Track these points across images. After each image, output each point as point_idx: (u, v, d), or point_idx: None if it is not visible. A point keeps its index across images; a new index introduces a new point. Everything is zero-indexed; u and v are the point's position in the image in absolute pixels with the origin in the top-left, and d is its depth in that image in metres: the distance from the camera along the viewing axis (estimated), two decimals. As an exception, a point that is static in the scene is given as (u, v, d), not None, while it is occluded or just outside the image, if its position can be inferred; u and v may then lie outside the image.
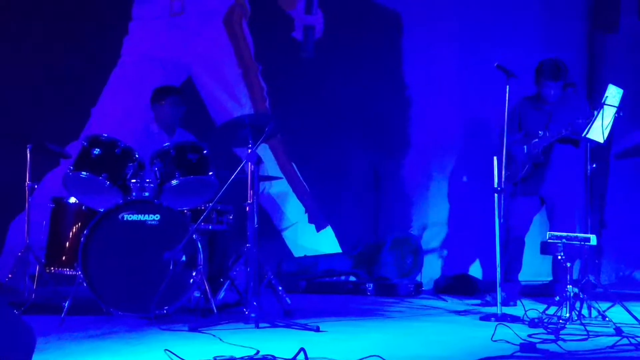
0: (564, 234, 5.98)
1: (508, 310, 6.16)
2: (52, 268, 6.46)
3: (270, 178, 7.80)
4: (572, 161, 7.05)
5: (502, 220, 6.62)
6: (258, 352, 4.59)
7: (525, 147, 7.01)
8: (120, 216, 6.08)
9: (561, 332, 5.35)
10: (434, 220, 9.20)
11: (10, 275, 6.52)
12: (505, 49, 8.55)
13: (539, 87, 7.05)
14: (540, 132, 6.97)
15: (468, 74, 9.01)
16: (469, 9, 9.08)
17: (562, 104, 7.03)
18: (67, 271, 6.42)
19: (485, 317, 6.11)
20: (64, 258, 6.45)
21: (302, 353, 4.24)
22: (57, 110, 8.28)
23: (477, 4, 9.06)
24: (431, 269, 8.85)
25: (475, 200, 8.76)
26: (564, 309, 5.85)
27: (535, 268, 7.86)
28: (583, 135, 6.33)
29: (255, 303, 5.76)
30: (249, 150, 6.02)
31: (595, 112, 6.24)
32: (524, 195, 7.01)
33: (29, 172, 6.62)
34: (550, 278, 7.29)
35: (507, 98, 6.16)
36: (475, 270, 8.85)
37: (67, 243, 6.47)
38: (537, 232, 7.42)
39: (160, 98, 7.15)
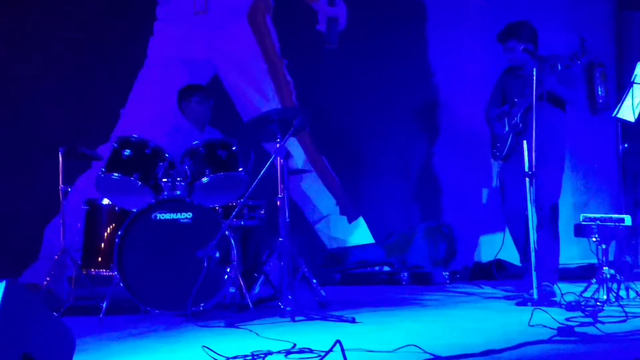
0: (598, 215, 5.93)
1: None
2: (88, 270, 6.53)
3: (300, 171, 7.80)
4: (553, 125, 6.57)
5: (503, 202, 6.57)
6: (295, 345, 4.61)
7: (506, 119, 6.73)
8: (153, 216, 6.12)
9: (599, 314, 5.31)
10: (466, 206, 9.15)
11: (48, 279, 6.58)
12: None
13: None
14: (515, 99, 6.64)
15: (493, 58, 8.94)
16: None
17: (542, 67, 6.41)
18: (104, 272, 6.48)
19: (522, 303, 6.06)
20: (99, 259, 6.52)
21: (337, 345, 4.24)
22: (87, 113, 8.36)
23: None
24: (465, 256, 8.81)
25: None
26: (602, 291, 5.80)
27: (569, 251, 7.82)
28: (613, 115, 6.25)
29: (290, 297, 5.78)
30: (278, 145, 6.03)
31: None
32: (512, 173, 6.68)
33: (61, 176, 6.66)
34: (585, 260, 7.21)
35: (534, 80, 6.09)
36: (510, 255, 8.79)
37: (102, 244, 6.53)
38: (570, 215, 7.37)
39: (186, 96, 7.17)
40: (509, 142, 6.70)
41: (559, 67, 6.24)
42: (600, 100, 8.74)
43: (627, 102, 6.15)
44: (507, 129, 6.70)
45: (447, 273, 8.09)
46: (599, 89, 8.72)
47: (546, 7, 8.91)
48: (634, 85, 6.14)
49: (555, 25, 8.77)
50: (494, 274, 7.99)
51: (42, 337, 3.42)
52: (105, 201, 6.54)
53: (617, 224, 5.87)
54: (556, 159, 6.66)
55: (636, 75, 6.14)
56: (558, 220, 6.60)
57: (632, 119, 6.19)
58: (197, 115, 7.15)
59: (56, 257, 6.56)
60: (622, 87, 6.38)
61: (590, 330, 4.83)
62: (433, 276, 8.00)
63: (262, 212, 6.83)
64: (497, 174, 6.94)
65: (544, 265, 6.16)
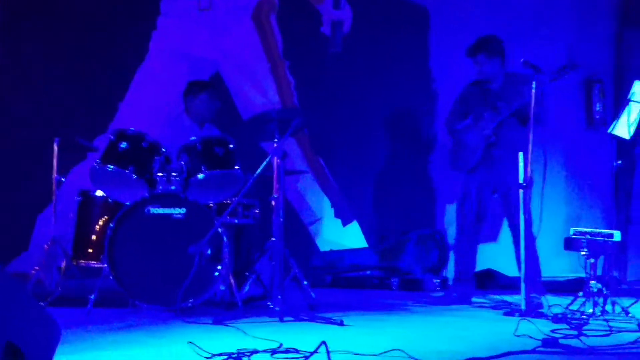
0: (588, 229, 5.97)
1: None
2: (78, 261, 6.54)
3: (297, 172, 7.81)
4: (520, 143, 6.54)
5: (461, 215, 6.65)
6: (281, 345, 4.63)
7: (476, 130, 6.77)
8: (146, 209, 6.13)
9: (584, 327, 5.34)
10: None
11: (37, 268, 6.59)
12: (532, 45, 8.52)
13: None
14: (486, 114, 6.70)
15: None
16: (496, 5, 9.04)
17: (512, 83, 6.73)
18: (94, 264, 6.49)
19: (509, 312, 6.11)
20: (90, 251, 6.52)
21: (323, 346, 4.26)
22: (85, 104, 8.38)
23: (505, 1, 9.03)
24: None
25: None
26: (588, 304, 5.84)
27: (559, 264, 7.85)
28: (609, 131, 6.28)
29: (279, 297, 5.80)
30: (275, 145, 6.05)
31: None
32: (478, 185, 6.82)
33: (56, 165, 6.68)
34: (574, 274, 7.24)
35: (533, 93, 6.11)
36: (501, 265, 8.81)
37: (94, 236, 6.53)
38: (562, 228, 7.39)
39: (197, 91, 7.16)
40: (479, 153, 6.77)
41: (534, 90, 6.25)
42: (597, 116, 8.77)
43: (623, 119, 6.18)
44: (478, 140, 6.77)
45: (439, 280, 8.12)
46: (597, 105, 8.76)
47: (547, 21, 8.93)
48: (630, 103, 6.16)
49: (556, 40, 8.80)
50: (485, 283, 8.01)
51: (26, 326, 3.42)
52: (99, 193, 6.55)
53: (606, 239, 5.90)
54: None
55: (633, 93, 6.16)
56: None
57: (627, 136, 6.21)
58: (202, 111, 7.15)
59: (46, 246, 6.58)
60: (620, 104, 6.41)
61: (575, 342, 4.86)
62: (424, 283, 8.03)
63: (257, 211, 6.85)
64: (462, 185, 6.96)
65: (531, 278, 6.19)
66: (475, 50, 6.86)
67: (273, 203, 6.06)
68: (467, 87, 7.08)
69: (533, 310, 5.96)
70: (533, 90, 6.07)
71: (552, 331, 5.20)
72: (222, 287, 6.44)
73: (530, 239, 6.37)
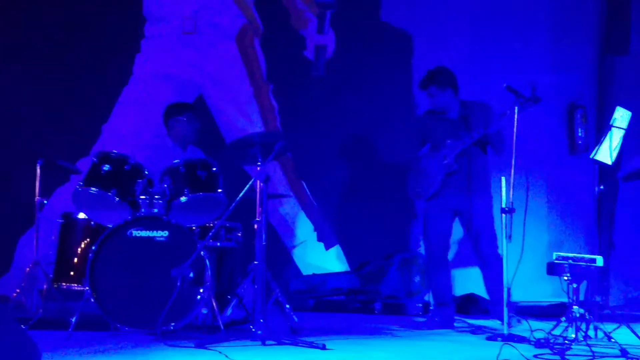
0: (571, 254, 5.98)
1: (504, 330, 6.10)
2: (60, 283, 6.50)
3: (279, 196, 7.80)
4: (482, 170, 6.94)
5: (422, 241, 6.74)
6: (263, 369, 4.62)
7: (436, 158, 6.90)
8: (128, 232, 6.10)
9: (567, 352, 5.34)
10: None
11: (18, 290, 6.55)
12: (514, 71, 8.56)
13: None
14: (448, 142, 6.84)
15: (478, 95, 9.01)
16: (478, 32, 9.09)
17: (471, 111, 6.93)
18: (75, 287, 6.45)
19: (492, 337, 6.11)
20: (72, 273, 6.48)
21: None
22: (69, 127, 8.35)
23: (487, 25, 9.08)
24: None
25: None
26: (571, 329, 5.84)
27: (542, 289, 7.86)
28: (591, 157, 6.31)
29: (262, 320, 5.77)
30: (258, 168, 6.05)
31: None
32: (440, 211, 6.95)
33: (38, 188, 6.66)
34: (556, 299, 7.27)
35: (515, 119, 6.15)
36: (484, 290, 8.83)
37: (76, 259, 6.50)
38: (544, 253, 7.41)
39: (176, 113, 7.16)
40: (439, 181, 6.87)
41: (508, 112, 6.38)
42: (580, 142, 8.82)
43: (605, 144, 6.21)
44: (438, 168, 6.88)
45: (421, 304, 8.11)
46: (579, 130, 8.81)
47: (530, 47, 8.99)
48: (612, 129, 6.20)
49: (539, 67, 8.85)
50: (467, 307, 8.01)
51: (7, 348, 3.40)
52: (81, 215, 6.52)
53: (589, 264, 5.92)
54: (489, 198, 6.97)
55: (615, 119, 6.20)
56: None
57: (609, 161, 6.24)
58: (183, 134, 7.15)
59: (28, 269, 6.55)
60: (602, 129, 6.45)
61: (557, 368, 4.87)
62: (407, 307, 8.03)
63: (239, 234, 6.85)
64: (423, 214, 7.11)
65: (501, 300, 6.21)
66: (427, 83, 7.01)
67: (256, 226, 6.04)
68: (423, 115, 7.23)
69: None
70: (515, 114, 6.12)
71: (535, 356, 5.20)
72: (204, 311, 6.41)
73: (498, 261, 6.47)
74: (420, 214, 8.97)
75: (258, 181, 6.05)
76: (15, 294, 6.51)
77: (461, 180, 6.86)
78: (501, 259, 6.20)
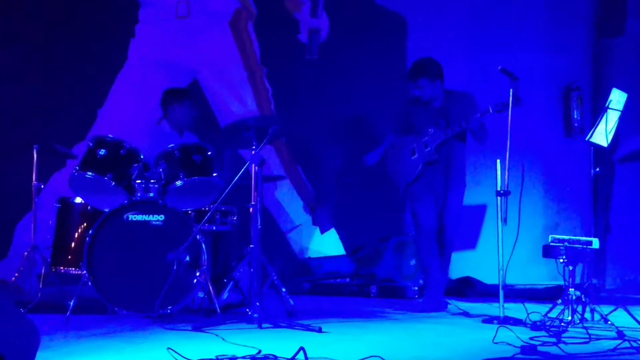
0: (566, 237, 5.99)
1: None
2: (58, 267, 6.52)
3: (274, 178, 7.81)
4: (460, 159, 6.99)
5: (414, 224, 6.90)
6: (260, 351, 4.63)
7: (418, 146, 6.93)
8: (125, 216, 6.12)
9: (563, 335, 5.35)
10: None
11: (16, 275, 6.57)
12: (509, 53, 8.55)
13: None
14: (430, 130, 6.87)
15: (472, 77, 9.01)
16: (473, 13, 9.07)
17: (453, 102, 6.94)
18: (73, 270, 6.47)
19: (488, 320, 6.12)
20: (69, 257, 6.50)
21: (301, 352, 4.27)
22: (64, 112, 8.35)
23: (482, 8, 9.05)
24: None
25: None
26: (567, 312, 5.86)
27: (538, 272, 7.88)
28: (587, 139, 6.32)
29: (258, 304, 5.79)
30: (253, 152, 6.05)
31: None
32: (423, 193, 6.95)
33: (35, 173, 6.66)
34: (553, 282, 7.29)
35: (510, 101, 6.16)
36: (479, 273, 8.85)
37: (73, 243, 6.52)
38: (540, 236, 7.42)
39: (172, 99, 7.16)
40: (419, 169, 6.90)
41: (491, 110, 6.51)
42: (576, 124, 8.81)
43: (601, 127, 6.20)
44: (419, 155, 6.92)
45: (417, 288, 8.12)
46: (575, 113, 8.80)
47: (525, 30, 8.97)
48: (608, 111, 6.19)
49: (534, 49, 8.84)
50: (463, 290, 8.03)
51: (6, 332, 3.41)
52: (78, 200, 6.54)
53: (585, 246, 5.92)
54: (463, 188, 7.03)
55: (611, 100, 6.19)
56: None
57: (605, 143, 6.24)
58: (179, 119, 7.16)
59: (26, 253, 6.56)
60: (598, 112, 6.44)
61: (553, 350, 4.87)
62: (402, 290, 8.03)
63: (235, 218, 6.86)
64: (405, 199, 7.18)
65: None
66: (417, 75, 6.97)
67: (251, 210, 6.05)
68: (406, 103, 7.17)
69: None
70: (510, 96, 6.15)
71: (531, 338, 5.20)
72: (200, 294, 6.44)
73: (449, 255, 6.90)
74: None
75: (253, 165, 6.05)
76: (13, 278, 6.53)
77: (440, 170, 6.89)
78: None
